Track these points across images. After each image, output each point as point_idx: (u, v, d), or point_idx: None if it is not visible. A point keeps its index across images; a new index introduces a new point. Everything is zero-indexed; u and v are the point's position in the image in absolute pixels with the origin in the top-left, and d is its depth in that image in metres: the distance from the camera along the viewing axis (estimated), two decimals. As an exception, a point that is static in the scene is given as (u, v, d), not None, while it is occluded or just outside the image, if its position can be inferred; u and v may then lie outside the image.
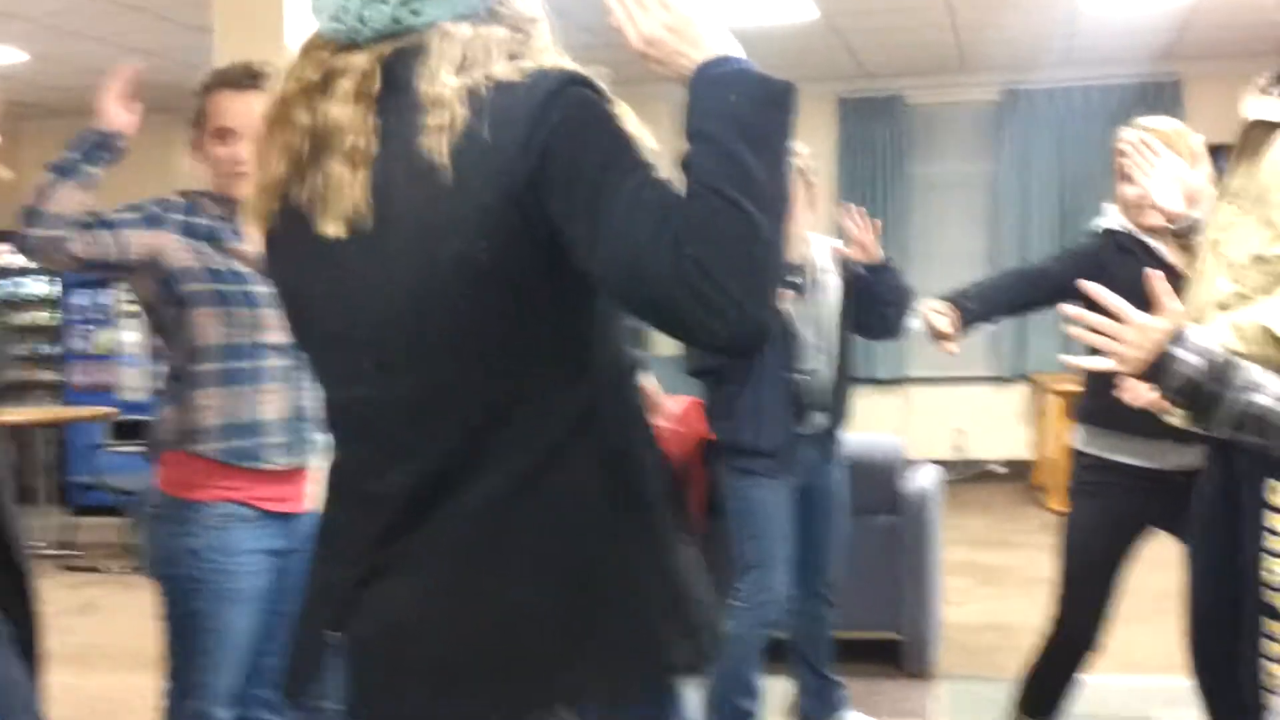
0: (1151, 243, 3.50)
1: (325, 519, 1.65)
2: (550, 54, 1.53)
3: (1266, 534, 2.58)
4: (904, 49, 8.85)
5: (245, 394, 2.79)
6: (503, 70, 1.45)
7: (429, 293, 1.45)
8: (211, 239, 2.82)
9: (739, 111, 1.36)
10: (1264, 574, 2.58)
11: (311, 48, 1.56)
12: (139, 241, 2.76)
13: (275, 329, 2.78)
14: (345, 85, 1.50)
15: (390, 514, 1.51)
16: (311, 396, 2.93)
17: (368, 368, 1.52)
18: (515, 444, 1.48)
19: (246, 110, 2.70)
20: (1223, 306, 2.60)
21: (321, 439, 2.92)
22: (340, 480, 1.62)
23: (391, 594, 1.52)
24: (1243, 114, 2.66)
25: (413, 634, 1.51)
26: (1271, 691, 2.59)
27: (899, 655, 4.89)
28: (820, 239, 4.11)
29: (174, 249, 2.78)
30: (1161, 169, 3.00)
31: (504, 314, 1.46)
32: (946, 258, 9.60)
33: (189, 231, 2.81)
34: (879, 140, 9.83)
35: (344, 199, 1.48)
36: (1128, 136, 3.23)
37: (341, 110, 1.49)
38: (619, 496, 1.51)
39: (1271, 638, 2.59)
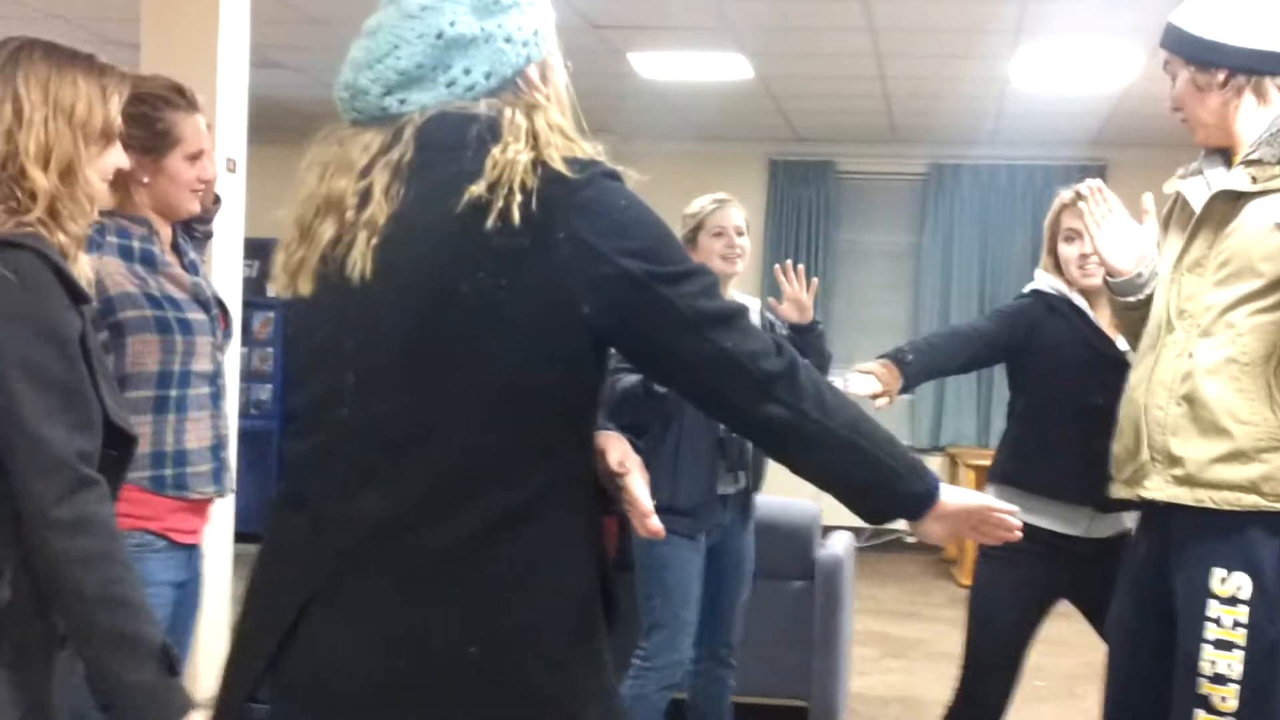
0: (1081, 304, 3.48)
1: (276, 542, 1.64)
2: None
3: (1209, 624, 2.54)
4: (837, 116, 8.91)
5: (173, 422, 2.70)
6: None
7: (424, 312, 1.51)
8: (146, 262, 2.71)
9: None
10: (1202, 664, 2.54)
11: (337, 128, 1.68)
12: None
13: (204, 356, 2.74)
14: (362, 160, 1.59)
15: (351, 540, 1.53)
16: (230, 425, 2.88)
17: (349, 384, 1.55)
18: (483, 499, 1.51)
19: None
20: (1211, 372, 2.57)
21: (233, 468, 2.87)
22: (303, 503, 1.61)
23: (330, 626, 1.53)
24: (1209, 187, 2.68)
25: (344, 670, 1.52)
26: None
27: (805, 723, 4.81)
28: (745, 298, 4.07)
29: (114, 274, 2.65)
30: (1112, 222, 2.97)
31: (509, 359, 1.50)
32: (869, 325, 9.63)
33: (125, 255, 2.69)
34: (807, 204, 9.86)
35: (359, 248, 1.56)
36: (1080, 189, 3.18)
37: (356, 181, 1.58)
38: (565, 568, 1.58)
39: None
